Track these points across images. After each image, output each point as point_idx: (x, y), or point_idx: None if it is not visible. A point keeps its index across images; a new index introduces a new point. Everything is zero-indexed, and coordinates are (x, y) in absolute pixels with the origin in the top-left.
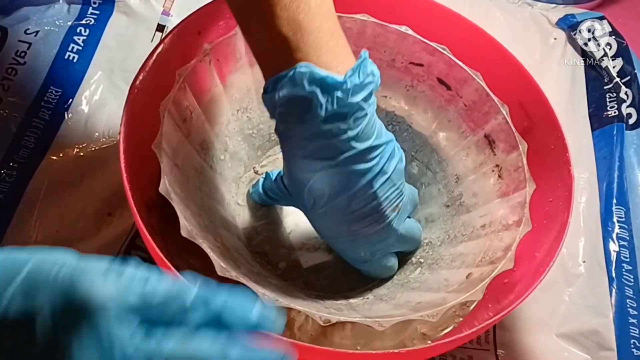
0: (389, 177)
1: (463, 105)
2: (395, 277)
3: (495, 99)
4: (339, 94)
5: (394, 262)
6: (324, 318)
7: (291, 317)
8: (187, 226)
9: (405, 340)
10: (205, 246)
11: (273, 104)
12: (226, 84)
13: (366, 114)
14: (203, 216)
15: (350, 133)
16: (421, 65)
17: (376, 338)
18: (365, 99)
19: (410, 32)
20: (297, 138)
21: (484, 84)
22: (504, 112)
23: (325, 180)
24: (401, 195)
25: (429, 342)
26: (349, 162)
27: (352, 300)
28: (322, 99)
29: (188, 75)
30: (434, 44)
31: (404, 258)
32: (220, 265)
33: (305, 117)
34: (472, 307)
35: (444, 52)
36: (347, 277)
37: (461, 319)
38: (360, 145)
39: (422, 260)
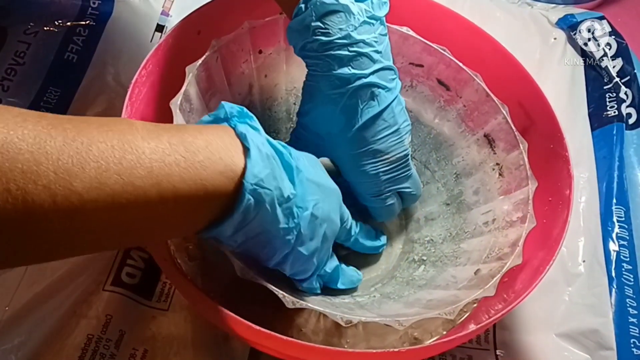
0: (403, 107)
1: (462, 106)
2: (398, 274)
3: (495, 99)
4: (367, 6)
5: (398, 204)
6: (345, 319)
7: (302, 319)
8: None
9: (394, 343)
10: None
11: (306, 25)
12: (230, 82)
13: (386, 34)
14: None
15: (378, 47)
16: (421, 66)
17: (362, 340)
18: (384, 19)
19: (411, 32)
20: (333, 50)
21: (484, 85)
22: (504, 112)
23: (357, 95)
24: (410, 130)
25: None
26: (378, 76)
27: (359, 299)
28: (355, 9)
29: (196, 72)
30: (434, 45)
31: (405, 255)
32: (240, 266)
33: (342, 27)
34: (474, 304)
35: (445, 53)
36: None
37: (461, 319)
38: (385, 62)
39: (424, 257)
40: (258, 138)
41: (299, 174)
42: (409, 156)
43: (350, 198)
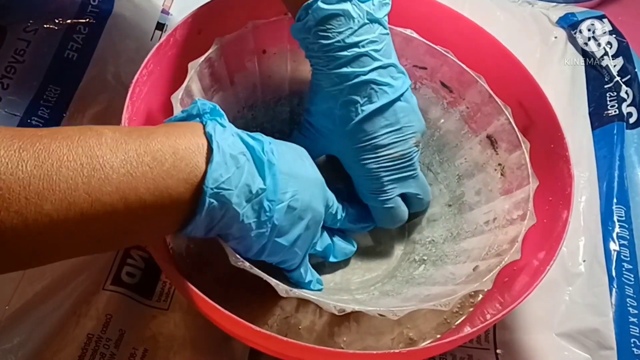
0: (410, 106)
1: (466, 107)
2: (398, 274)
3: (499, 100)
4: (368, 7)
5: (401, 210)
6: (338, 307)
7: (296, 319)
8: None
9: (389, 343)
10: (219, 239)
11: (307, 28)
12: (233, 81)
13: (388, 33)
14: None
15: (377, 46)
16: (424, 68)
17: (359, 339)
18: (385, 19)
19: (414, 35)
20: (334, 50)
21: (487, 87)
22: (507, 113)
23: (356, 91)
24: (419, 132)
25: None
26: (378, 73)
27: (358, 297)
28: (355, 12)
29: (199, 68)
30: (438, 47)
31: (406, 256)
32: (233, 255)
33: (341, 30)
34: (471, 307)
35: (448, 55)
36: (351, 275)
37: (457, 321)
38: (386, 60)
39: (425, 257)
40: (226, 137)
41: (271, 168)
42: (414, 156)
43: (353, 201)
